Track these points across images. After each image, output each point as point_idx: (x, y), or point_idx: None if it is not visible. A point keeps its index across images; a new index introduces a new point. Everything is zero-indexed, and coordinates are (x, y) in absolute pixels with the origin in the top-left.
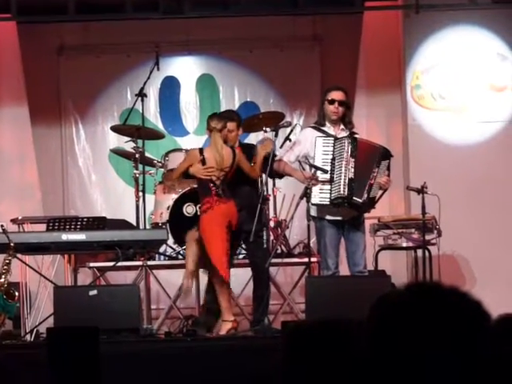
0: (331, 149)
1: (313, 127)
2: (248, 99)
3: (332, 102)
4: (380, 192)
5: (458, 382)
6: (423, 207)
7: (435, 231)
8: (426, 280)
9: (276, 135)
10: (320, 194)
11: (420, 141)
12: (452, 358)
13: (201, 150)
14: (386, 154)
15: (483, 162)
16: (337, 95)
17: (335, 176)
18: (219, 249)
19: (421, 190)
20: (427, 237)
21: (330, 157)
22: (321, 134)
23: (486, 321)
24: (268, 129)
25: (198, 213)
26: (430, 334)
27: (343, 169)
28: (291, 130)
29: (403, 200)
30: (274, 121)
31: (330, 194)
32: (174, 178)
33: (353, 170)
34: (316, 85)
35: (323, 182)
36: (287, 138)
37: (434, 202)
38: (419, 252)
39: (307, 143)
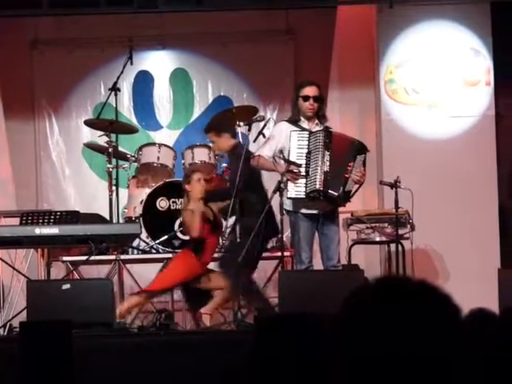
0: (306, 143)
1: (287, 121)
2: (221, 93)
3: (306, 98)
4: (356, 186)
5: (429, 375)
6: (396, 201)
7: (408, 225)
8: (396, 274)
9: (249, 129)
10: (296, 188)
11: (393, 135)
12: (422, 352)
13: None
14: (361, 149)
15: (456, 156)
16: (310, 91)
17: (311, 170)
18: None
19: (394, 185)
20: (400, 231)
21: (305, 150)
22: (295, 128)
23: (456, 314)
24: (241, 123)
25: (172, 207)
26: (399, 329)
27: (319, 162)
28: (265, 125)
29: (376, 194)
30: (248, 115)
31: (306, 187)
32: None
33: (328, 163)
34: (289, 79)
35: (298, 177)
36: (260, 133)
37: (407, 196)
38: (392, 246)
39: (282, 137)
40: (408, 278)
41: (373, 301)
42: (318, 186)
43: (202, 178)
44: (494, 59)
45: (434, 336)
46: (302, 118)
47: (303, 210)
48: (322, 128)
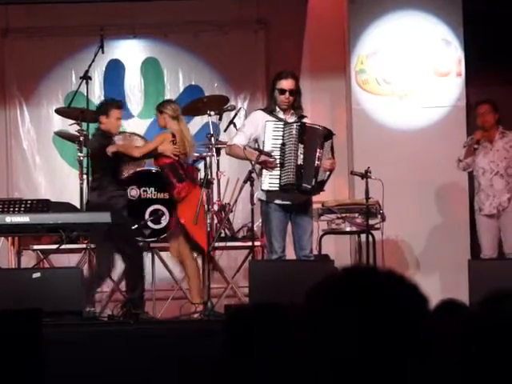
0: (281, 133)
1: (263, 110)
2: (192, 83)
3: (282, 91)
4: (327, 174)
5: (396, 365)
6: (367, 192)
7: (379, 216)
8: (364, 263)
9: (220, 119)
10: (270, 180)
11: (364, 126)
12: (388, 342)
13: (173, 134)
14: (328, 135)
15: (427, 147)
16: (287, 84)
17: (285, 162)
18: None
19: (364, 175)
20: (371, 221)
21: (280, 142)
22: (271, 118)
23: (423, 304)
24: (212, 112)
25: (142, 196)
26: (366, 318)
27: (293, 155)
28: (235, 114)
29: (347, 184)
30: (219, 104)
31: (280, 179)
32: (137, 154)
33: (302, 156)
34: (261, 69)
35: (273, 167)
36: (231, 122)
37: (377, 186)
38: (363, 237)
39: (258, 127)
40: (375, 268)
41: (339, 290)
42: (292, 180)
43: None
44: (465, 50)
45: (400, 325)
46: (278, 109)
47: (277, 201)
48: (296, 118)
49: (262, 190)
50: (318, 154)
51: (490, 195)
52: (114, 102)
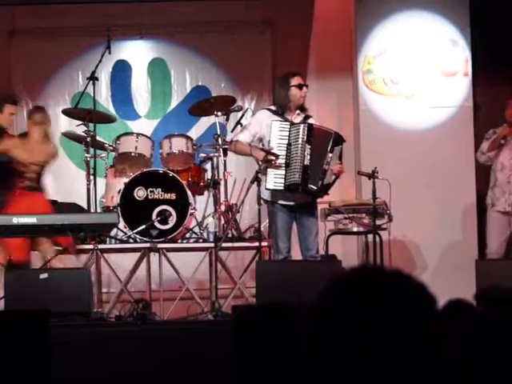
0: (287, 134)
1: (269, 110)
2: (199, 83)
3: (301, 86)
4: (334, 177)
5: (404, 365)
6: (374, 192)
7: (386, 216)
8: (369, 263)
9: (227, 119)
10: (275, 179)
11: (371, 126)
12: (397, 340)
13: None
14: (338, 140)
15: (434, 147)
16: (301, 79)
17: (291, 162)
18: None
19: (372, 175)
20: (378, 222)
21: (286, 142)
22: (277, 118)
23: (431, 304)
24: (219, 113)
25: (149, 196)
26: (374, 318)
27: (299, 155)
28: (242, 115)
29: (354, 185)
30: (226, 105)
31: (285, 179)
32: None
33: (309, 156)
34: (267, 69)
35: (278, 167)
36: (238, 122)
37: (384, 186)
38: (370, 237)
39: (263, 126)
40: (383, 268)
41: (347, 290)
42: (297, 180)
43: None
44: (473, 50)
45: (408, 325)
46: (289, 108)
47: (281, 201)
48: (303, 117)
49: (267, 188)
50: (326, 156)
51: (506, 192)
52: (10, 97)
